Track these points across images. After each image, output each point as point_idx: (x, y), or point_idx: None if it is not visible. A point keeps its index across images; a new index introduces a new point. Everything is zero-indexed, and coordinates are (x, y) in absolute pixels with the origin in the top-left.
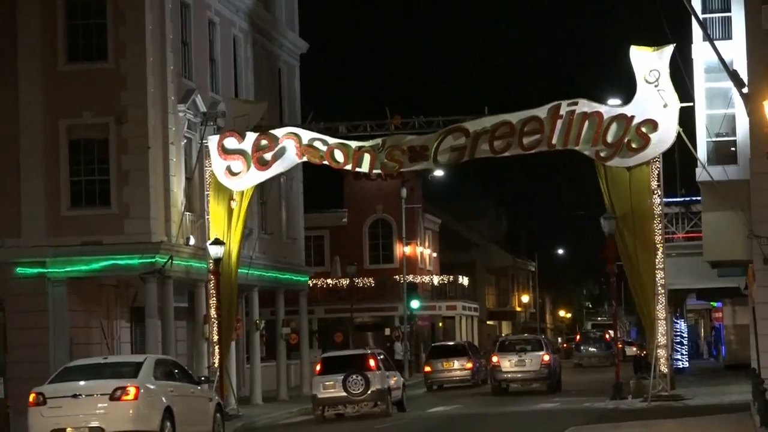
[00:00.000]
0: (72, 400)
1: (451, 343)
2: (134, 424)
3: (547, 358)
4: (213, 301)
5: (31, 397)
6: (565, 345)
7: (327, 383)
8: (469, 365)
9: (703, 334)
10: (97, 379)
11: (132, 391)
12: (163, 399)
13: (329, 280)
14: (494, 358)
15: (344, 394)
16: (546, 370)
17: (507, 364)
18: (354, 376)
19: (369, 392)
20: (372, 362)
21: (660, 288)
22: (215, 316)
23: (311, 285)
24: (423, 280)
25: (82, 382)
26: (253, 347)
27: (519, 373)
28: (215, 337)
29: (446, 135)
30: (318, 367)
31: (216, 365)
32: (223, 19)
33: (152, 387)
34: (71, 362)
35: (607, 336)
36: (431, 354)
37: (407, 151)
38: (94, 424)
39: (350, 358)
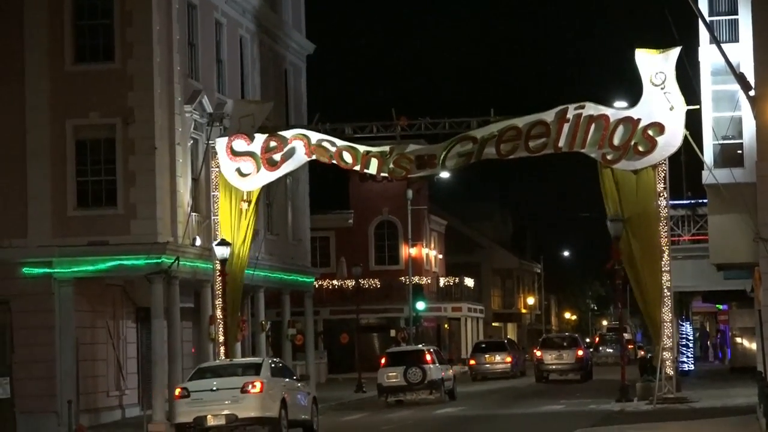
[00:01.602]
0: (210, 393)
1: (493, 339)
2: (260, 412)
3: (580, 353)
4: (219, 302)
5: (177, 391)
6: None
7: (390, 374)
8: (509, 359)
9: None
10: (228, 376)
11: (258, 385)
12: (279, 392)
13: (335, 282)
14: (538, 353)
15: (405, 383)
16: (580, 362)
17: (549, 357)
18: (413, 368)
19: (426, 382)
20: (428, 356)
21: (666, 290)
22: (221, 316)
23: (317, 286)
24: (428, 281)
25: (217, 379)
26: (258, 348)
27: (558, 365)
28: (221, 338)
29: (454, 144)
30: (383, 361)
31: None
32: (229, 20)
33: (272, 382)
34: (203, 364)
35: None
36: (475, 349)
37: (414, 160)
38: (229, 411)
39: (410, 353)
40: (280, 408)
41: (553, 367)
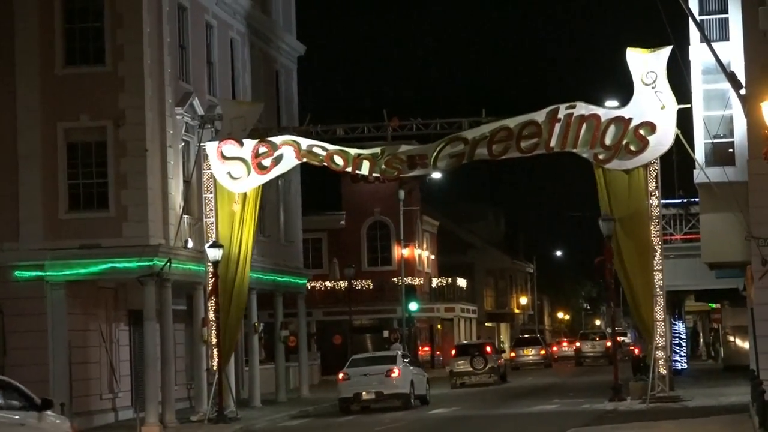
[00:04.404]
0: (363, 377)
1: (530, 335)
2: (398, 389)
3: (609, 343)
4: (211, 304)
5: (341, 375)
6: None
7: (460, 362)
8: (543, 352)
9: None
10: (374, 365)
11: (396, 371)
12: (409, 375)
13: (327, 283)
14: (578, 344)
15: (471, 369)
16: (608, 351)
17: (585, 347)
18: (478, 357)
19: (487, 368)
20: (489, 348)
21: (658, 290)
22: (213, 318)
23: (309, 287)
24: (421, 282)
25: (367, 367)
26: (251, 350)
27: (592, 352)
28: (213, 340)
29: (445, 145)
30: (453, 352)
31: (214, 368)
32: (220, 22)
33: (403, 368)
34: (355, 356)
35: (619, 339)
36: (516, 343)
37: (406, 160)
38: (377, 390)
39: (475, 345)
40: (410, 386)
41: (589, 354)
